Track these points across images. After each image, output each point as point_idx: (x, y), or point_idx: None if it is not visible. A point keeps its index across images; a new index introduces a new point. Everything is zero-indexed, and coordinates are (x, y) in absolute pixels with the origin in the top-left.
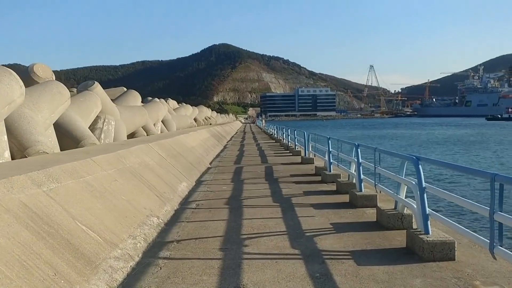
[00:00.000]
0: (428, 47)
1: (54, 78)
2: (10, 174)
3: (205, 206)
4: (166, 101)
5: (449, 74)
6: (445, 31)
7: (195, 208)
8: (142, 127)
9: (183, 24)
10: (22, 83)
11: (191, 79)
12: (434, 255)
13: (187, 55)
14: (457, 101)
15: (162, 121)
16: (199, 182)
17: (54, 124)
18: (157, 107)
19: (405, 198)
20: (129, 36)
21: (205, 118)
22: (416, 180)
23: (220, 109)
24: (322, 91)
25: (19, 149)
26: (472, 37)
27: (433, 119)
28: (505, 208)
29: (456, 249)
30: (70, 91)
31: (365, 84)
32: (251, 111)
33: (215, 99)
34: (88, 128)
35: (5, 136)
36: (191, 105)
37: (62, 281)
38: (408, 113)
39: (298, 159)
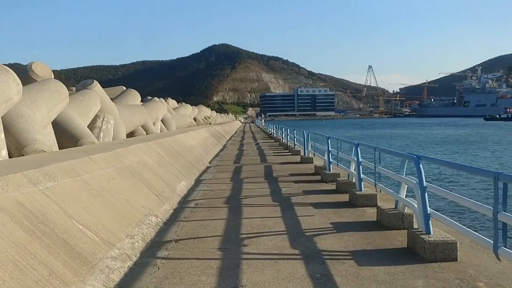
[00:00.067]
0: (427, 47)
1: (52, 77)
2: (5, 173)
3: (204, 205)
4: (165, 101)
5: (447, 75)
6: (444, 31)
7: (194, 207)
8: (141, 126)
9: (183, 24)
10: (19, 81)
11: (191, 79)
12: (435, 255)
13: (187, 55)
14: (455, 101)
15: (161, 121)
16: (198, 181)
17: (52, 123)
18: (156, 106)
19: (406, 197)
20: (129, 36)
21: (204, 117)
22: (417, 179)
23: (220, 108)
24: (321, 91)
25: (17, 147)
26: (471, 37)
27: (432, 119)
28: (508, 208)
29: (458, 249)
30: (69, 90)
31: (364, 84)
32: (251, 111)
33: (215, 99)
34: (87, 127)
35: (2, 134)
36: (191, 105)
37: (57, 282)
38: (406, 113)
39: (297, 158)
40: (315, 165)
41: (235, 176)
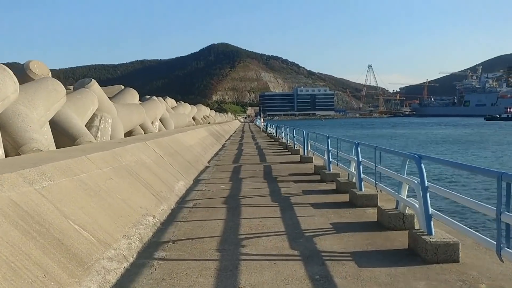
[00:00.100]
0: (427, 47)
1: (50, 75)
2: (1, 172)
3: (202, 205)
4: (164, 100)
5: (448, 74)
6: (444, 31)
7: (192, 207)
8: (139, 126)
9: (182, 23)
10: (16, 80)
11: (190, 78)
12: (437, 256)
13: (186, 54)
14: (455, 101)
15: (160, 120)
16: (196, 181)
17: (50, 122)
18: (154, 105)
19: (407, 197)
20: (128, 35)
21: (203, 117)
22: (418, 179)
23: (219, 108)
24: (321, 90)
25: (13, 146)
26: (471, 37)
27: (432, 118)
28: None
29: (460, 250)
30: (66, 89)
31: (363, 83)
32: (250, 110)
33: (214, 98)
34: (85, 126)
35: None
36: (190, 104)
37: (52, 283)
38: (406, 112)
39: (297, 158)
40: (314, 165)
41: (234, 175)
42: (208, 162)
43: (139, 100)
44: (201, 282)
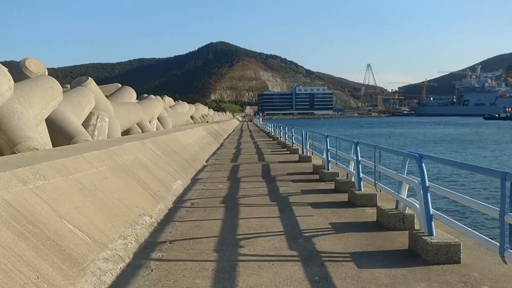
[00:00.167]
0: (426, 46)
1: (46, 73)
2: None
3: (200, 205)
4: (162, 99)
5: (447, 73)
6: (443, 30)
7: (190, 207)
8: (137, 124)
9: (180, 21)
10: (10, 77)
11: (188, 77)
12: (438, 257)
13: (184, 53)
14: (454, 100)
15: (158, 118)
16: (194, 180)
17: (46, 120)
18: (152, 104)
19: (407, 197)
20: (126, 33)
21: (201, 115)
22: (418, 178)
23: (218, 107)
24: (320, 90)
25: (9, 145)
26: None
27: (431, 118)
28: None
29: (461, 251)
30: (63, 87)
31: (362, 83)
32: (249, 110)
33: (213, 97)
34: (81, 124)
35: None
36: (188, 103)
37: (45, 285)
38: (405, 112)
39: (295, 157)
40: (313, 164)
41: (232, 175)
42: (206, 161)
43: (137, 98)
44: (198, 283)
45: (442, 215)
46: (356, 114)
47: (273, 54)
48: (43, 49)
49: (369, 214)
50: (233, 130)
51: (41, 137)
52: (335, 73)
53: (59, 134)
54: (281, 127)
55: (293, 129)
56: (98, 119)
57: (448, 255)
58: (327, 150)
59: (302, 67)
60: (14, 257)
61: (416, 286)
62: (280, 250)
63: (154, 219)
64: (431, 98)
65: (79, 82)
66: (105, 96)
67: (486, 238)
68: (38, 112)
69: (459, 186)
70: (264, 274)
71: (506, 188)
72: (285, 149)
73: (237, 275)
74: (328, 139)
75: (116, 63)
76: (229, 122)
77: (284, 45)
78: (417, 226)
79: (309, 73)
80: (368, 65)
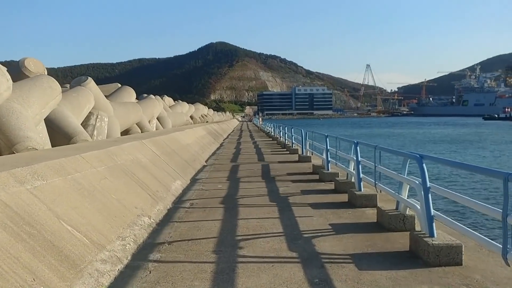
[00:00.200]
0: (425, 46)
1: (46, 73)
2: None
3: (199, 206)
4: (162, 98)
5: (446, 74)
6: (443, 29)
7: (189, 208)
8: (136, 124)
9: (180, 22)
10: (9, 77)
11: (188, 77)
12: (440, 259)
13: (184, 53)
14: (454, 100)
15: (157, 118)
16: (194, 180)
17: (45, 120)
18: (152, 104)
19: (407, 198)
20: (126, 33)
21: (201, 115)
22: (419, 179)
23: (217, 107)
24: (319, 90)
25: (7, 145)
26: (470, 36)
27: (430, 118)
28: None
29: (463, 253)
30: (62, 87)
31: (361, 83)
32: (248, 110)
33: (212, 97)
34: (81, 124)
35: None
36: (188, 103)
37: (42, 287)
38: (404, 112)
39: (295, 157)
40: (313, 164)
41: (231, 175)
42: (206, 161)
43: (136, 98)
44: (196, 285)
45: (443, 216)
46: (355, 114)
47: (272, 54)
48: (43, 49)
49: (369, 215)
50: (233, 130)
51: (40, 137)
52: (335, 73)
53: (58, 134)
54: (281, 127)
55: (292, 129)
56: (98, 119)
57: (449, 257)
58: (327, 150)
59: (302, 67)
60: (10, 259)
61: None
62: (280, 251)
63: (153, 219)
64: (431, 98)
65: (79, 82)
66: (105, 96)
67: (488, 239)
68: (37, 112)
69: (459, 186)
70: (263, 276)
71: (508, 189)
72: (285, 149)
73: (236, 277)
74: (328, 139)
75: (116, 63)
76: (229, 122)
77: (284, 45)
78: (418, 227)
79: (308, 73)
80: (368, 65)
